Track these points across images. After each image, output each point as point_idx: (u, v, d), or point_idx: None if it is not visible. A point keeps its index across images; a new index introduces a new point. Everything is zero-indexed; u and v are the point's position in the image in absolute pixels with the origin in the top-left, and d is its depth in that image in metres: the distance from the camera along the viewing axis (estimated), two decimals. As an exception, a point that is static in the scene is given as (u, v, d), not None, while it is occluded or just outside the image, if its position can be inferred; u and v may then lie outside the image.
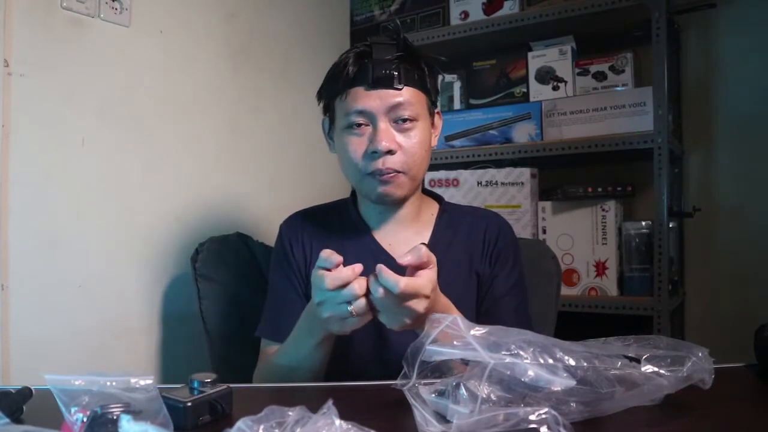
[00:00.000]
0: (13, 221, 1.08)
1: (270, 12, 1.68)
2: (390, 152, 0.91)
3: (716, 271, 1.77)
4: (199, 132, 1.45)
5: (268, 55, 1.67)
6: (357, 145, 0.93)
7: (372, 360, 0.96)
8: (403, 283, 0.70)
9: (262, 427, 0.45)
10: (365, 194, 0.98)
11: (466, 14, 1.84)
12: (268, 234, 1.28)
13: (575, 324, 1.26)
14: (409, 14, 1.98)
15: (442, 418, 0.58)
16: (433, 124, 1.00)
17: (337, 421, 0.47)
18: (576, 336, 0.66)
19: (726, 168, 1.77)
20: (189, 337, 1.34)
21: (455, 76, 1.93)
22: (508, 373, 0.57)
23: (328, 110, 1.00)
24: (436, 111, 1.01)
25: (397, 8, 2.01)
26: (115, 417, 0.51)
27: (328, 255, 0.74)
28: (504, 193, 1.74)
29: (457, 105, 1.93)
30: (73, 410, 0.53)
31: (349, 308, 0.74)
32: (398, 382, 0.63)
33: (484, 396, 0.56)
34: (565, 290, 1.64)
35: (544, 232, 1.72)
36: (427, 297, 0.73)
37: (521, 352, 0.58)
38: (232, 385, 0.65)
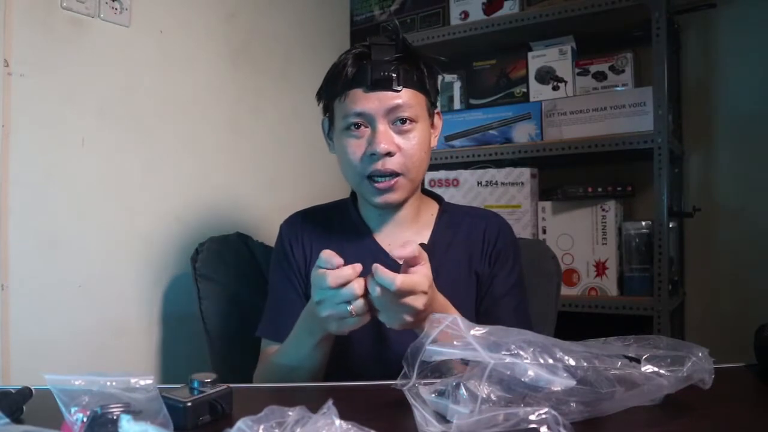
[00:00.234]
0: (13, 221, 1.08)
1: (270, 12, 1.68)
2: (389, 154, 0.91)
3: (716, 271, 1.77)
4: (199, 132, 1.45)
5: (268, 55, 1.67)
6: (356, 147, 0.93)
7: (372, 360, 0.96)
8: (399, 279, 0.70)
9: (262, 427, 0.45)
10: (365, 198, 0.98)
11: (466, 14, 1.84)
12: (268, 234, 1.29)
13: (575, 324, 1.26)
14: (409, 14, 1.98)
15: (442, 418, 0.58)
16: (432, 124, 1.00)
17: (337, 421, 0.47)
18: (576, 336, 0.66)
19: (726, 168, 1.77)
20: (189, 337, 1.34)
21: (455, 76, 1.93)
22: (508, 373, 0.57)
23: (328, 111, 1.00)
24: (435, 111, 1.01)
25: (397, 8, 2.01)
26: (115, 417, 0.51)
27: (329, 256, 0.74)
28: (504, 193, 1.74)
29: (457, 105, 1.93)
30: (73, 410, 0.53)
31: (349, 308, 0.74)
32: (398, 382, 0.63)
33: (484, 396, 0.56)
34: (565, 290, 1.64)
35: (544, 232, 1.72)
36: (425, 293, 0.73)
37: (521, 352, 0.58)
38: (232, 385, 0.65)
